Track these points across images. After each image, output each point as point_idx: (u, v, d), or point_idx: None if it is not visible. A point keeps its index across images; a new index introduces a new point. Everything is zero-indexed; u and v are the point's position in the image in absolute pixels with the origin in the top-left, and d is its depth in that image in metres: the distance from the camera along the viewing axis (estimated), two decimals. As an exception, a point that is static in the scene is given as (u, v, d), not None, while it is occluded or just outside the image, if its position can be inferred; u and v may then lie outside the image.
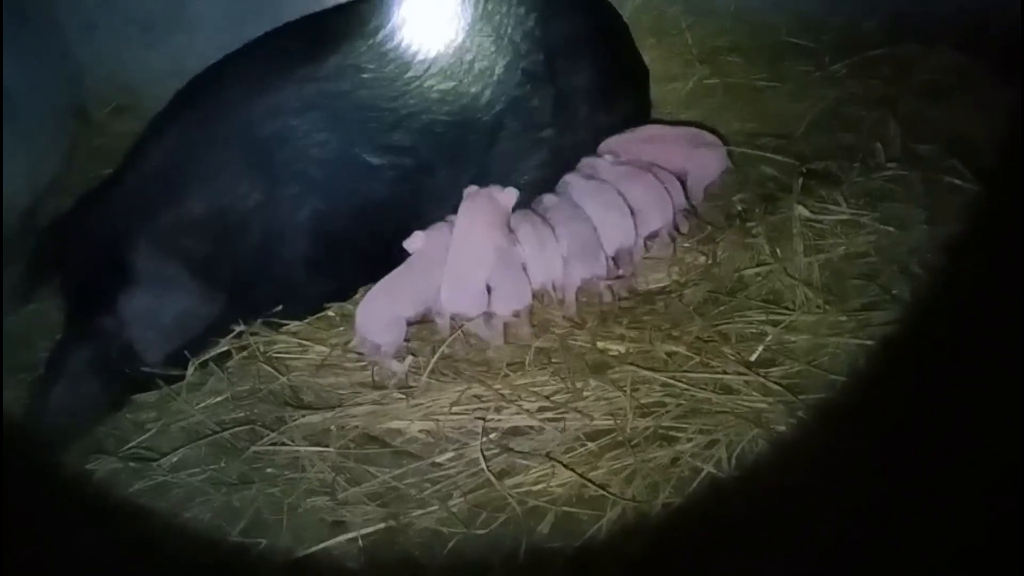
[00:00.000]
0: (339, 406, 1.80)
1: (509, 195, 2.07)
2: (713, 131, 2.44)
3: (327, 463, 1.68)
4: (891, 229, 2.02)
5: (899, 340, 1.76)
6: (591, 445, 1.66)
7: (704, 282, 2.05)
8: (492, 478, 1.60)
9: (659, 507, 1.54)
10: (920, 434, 1.54)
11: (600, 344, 1.89)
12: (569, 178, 2.21)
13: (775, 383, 1.72)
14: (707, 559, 1.44)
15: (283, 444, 1.72)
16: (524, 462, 1.65)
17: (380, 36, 2.09)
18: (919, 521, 1.41)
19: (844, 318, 1.84)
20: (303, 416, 1.77)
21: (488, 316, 1.94)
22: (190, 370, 1.87)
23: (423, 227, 2.06)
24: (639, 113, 2.54)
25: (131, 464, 1.73)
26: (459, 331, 1.93)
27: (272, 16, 2.78)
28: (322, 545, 1.53)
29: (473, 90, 2.16)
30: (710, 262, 2.10)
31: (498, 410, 1.75)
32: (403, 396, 1.80)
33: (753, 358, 1.79)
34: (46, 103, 2.71)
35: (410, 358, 1.89)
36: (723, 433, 1.63)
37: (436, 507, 1.58)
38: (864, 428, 1.61)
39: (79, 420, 1.79)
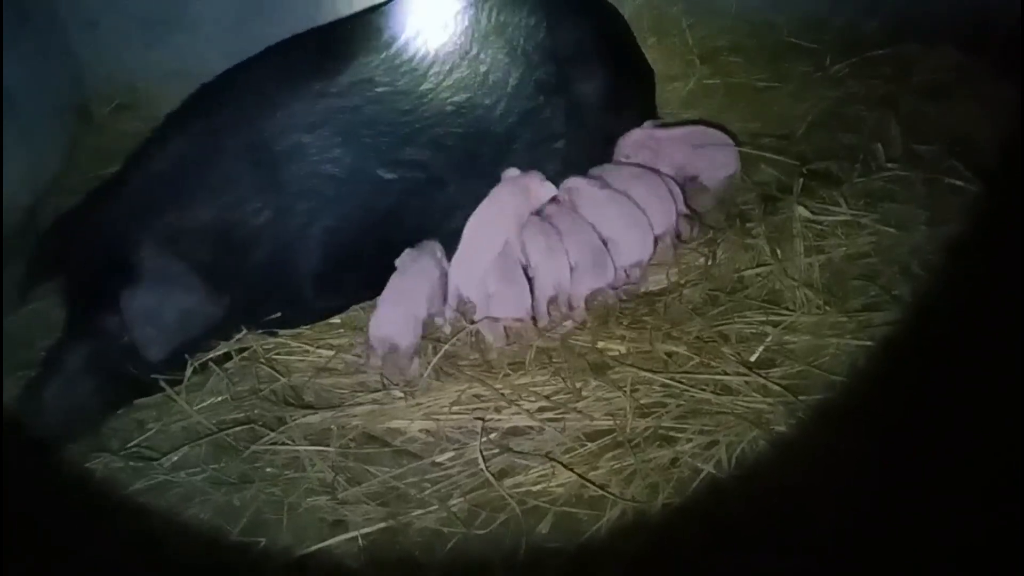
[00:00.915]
0: (339, 406, 1.80)
1: (546, 189, 2.08)
2: (724, 129, 2.44)
3: (327, 463, 1.68)
4: (892, 230, 2.02)
5: (899, 341, 1.76)
6: (591, 445, 1.66)
7: (704, 283, 2.05)
8: (491, 478, 1.60)
9: (659, 507, 1.54)
10: (920, 434, 1.55)
11: (600, 344, 1.89)
12: (574, 183, 2.15)
13: (775, 384, 1.72)
14: (707, 559, 1.44)
15: (283, 443, 1.72)
16: (524, 462, 1.65)
17: (394, 48, 2.08)
18: (919, 521, 1.41)
19: (844, 319, 1.85)
20: (303, 416, 1.77)
21: (492, 320, 1.94)
22: (188, 371, 1.86)
23: (435, 239, 2.08)
24: (647, 115, 2.53)
25: (131, 463, 1.73)
26: (466, 331, 1.93)
27: (273, 16, 2.80)
28: (322, 544, 1.53)
29: (487, 102, 2.16)
30: (710, 263, 2.10)
31: (498, 410, 1.75)
32: (403, 396, 1.81)
33: (753, 359, 1.79)
34: (47, 102, 2.71)
35: (417, 359, 1.89)
36: (723, 433, 1.63)
37: (436, 507, 1.58)
38: (864, 428, 1.61)
39: (74, 419, 1.78)
